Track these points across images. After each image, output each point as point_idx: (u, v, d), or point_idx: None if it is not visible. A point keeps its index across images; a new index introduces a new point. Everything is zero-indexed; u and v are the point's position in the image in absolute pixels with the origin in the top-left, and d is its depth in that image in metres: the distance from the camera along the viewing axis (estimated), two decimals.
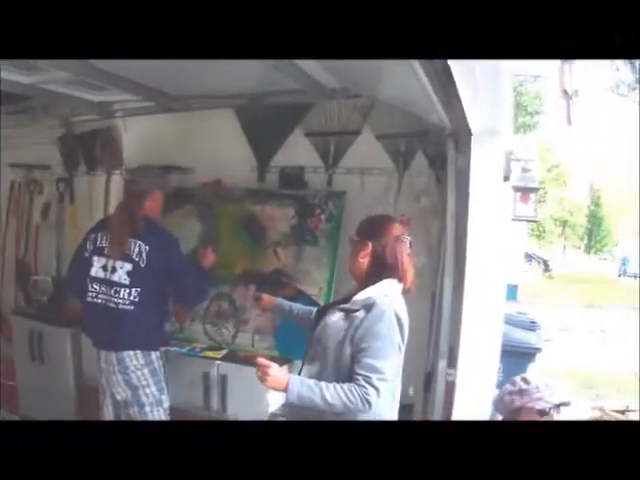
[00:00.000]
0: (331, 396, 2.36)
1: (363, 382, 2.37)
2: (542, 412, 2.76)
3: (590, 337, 13.14)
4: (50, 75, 3.83)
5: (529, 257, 27.91)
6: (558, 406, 2.59)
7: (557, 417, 2.74)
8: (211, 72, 3.54)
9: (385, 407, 2.55)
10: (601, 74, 17.63)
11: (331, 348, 2.51)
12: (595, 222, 37.87)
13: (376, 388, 2.38)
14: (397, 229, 2.65)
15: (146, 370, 3.55)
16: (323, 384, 2.42)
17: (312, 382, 2.44)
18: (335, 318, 2.55)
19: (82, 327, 4.12)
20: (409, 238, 2.66)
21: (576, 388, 8.25)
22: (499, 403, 2.87)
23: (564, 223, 37.86)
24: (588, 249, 38.66)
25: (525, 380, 2.70)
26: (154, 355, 3.60)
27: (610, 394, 8.23)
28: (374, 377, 2.38)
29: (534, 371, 5.84)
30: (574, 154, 32.21)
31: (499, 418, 3.05)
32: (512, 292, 14.17)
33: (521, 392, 2.58)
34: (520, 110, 16.13)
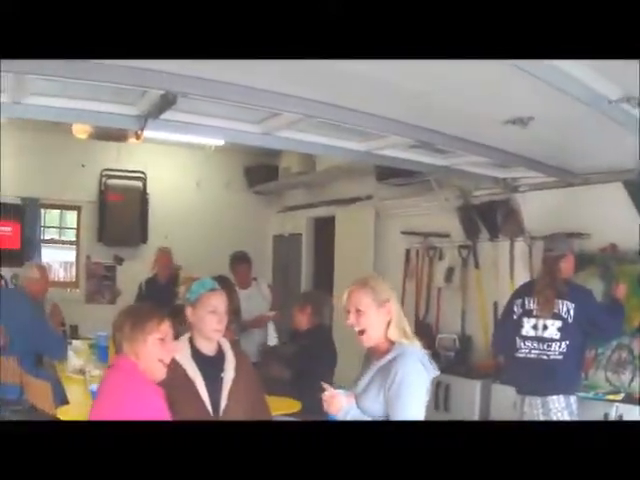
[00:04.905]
0: None
1: None
2: None
3: None
4: (465, 159, 5.73)
5: None
6: None
7: None
8: (606, 151, 5.19)
9: None
10: None
11: None
12: None
13: None
14: None
15: (566, 412, 4.88)
16: None
17: None
18: None
19: (504, 378, 5.75)
20: None
21: None
22: None
23: None
24: None
25: None
26: (572, 398, 4.93)
27: None
28: None
29: None
30: None
31: None
32: None
33: None
34: None
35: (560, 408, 4.91)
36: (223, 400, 3.55)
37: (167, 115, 4.17)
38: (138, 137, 4.65)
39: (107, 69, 3.33)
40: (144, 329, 3.07)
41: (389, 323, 3.21)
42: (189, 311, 3.62)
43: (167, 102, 3.82)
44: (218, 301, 3.62)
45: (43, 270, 6.68)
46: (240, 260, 7.40)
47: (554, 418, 4.89)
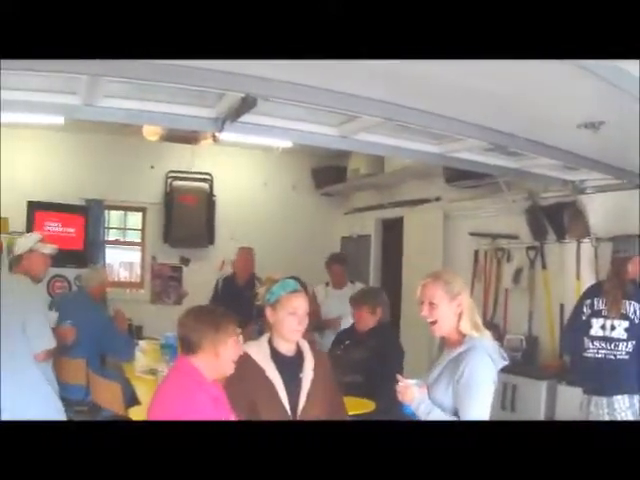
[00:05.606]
0: None
1: None
2: None
3: None
4: (535, 161, 5.83)
5: None
6: None
7: None
8: None
9: None
10: None
11: None
12: None
13: None
14: None
15: (629, 412, 4.94)
16: None
17: None
18: None
19: (571, 379, 5.84)
20: None
21: None
22: None
23: None
24: None
25: None
26: (636, 398, 4.97)
27: None
28: None
29: None
30: None
31: None
32: None
33: None
34: None
35: (625, 408, 4.99)
36: (301, 401, 3.59)
37: (244, 117, 4.23)
38: (215, 139, 4.73)
39: (190, 72, 3.41)
40: (227, 331, 3.21)
41: (460, 315, 3.32)
42: (268, 312, 3.66)
43: (247, 105, 3.90)
44: (299, 302, 3.64)
45: (108, 272, 6.81)
46: (336, 260, 7.72)
47: (618, 418, 4.98)
